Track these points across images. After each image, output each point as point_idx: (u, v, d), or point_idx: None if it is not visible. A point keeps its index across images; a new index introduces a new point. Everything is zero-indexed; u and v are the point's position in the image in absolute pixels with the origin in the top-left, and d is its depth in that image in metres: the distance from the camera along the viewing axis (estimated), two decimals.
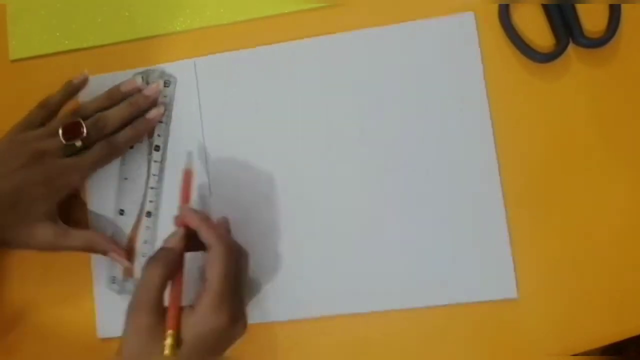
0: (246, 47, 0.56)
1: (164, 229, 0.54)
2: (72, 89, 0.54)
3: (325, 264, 0.53)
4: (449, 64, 0.53)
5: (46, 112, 0.53)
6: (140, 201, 0.55)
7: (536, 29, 0.54)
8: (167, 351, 0.43)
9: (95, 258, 0.55)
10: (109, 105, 0.53)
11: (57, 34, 0.58)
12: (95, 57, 0.58)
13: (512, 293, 0.51)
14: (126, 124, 0.53)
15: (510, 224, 0.51)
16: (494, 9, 0.54)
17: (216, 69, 0.56)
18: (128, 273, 0.54)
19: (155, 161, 0.55)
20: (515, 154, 0.52)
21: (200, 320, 0.44)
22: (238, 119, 0.55)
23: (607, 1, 0.53)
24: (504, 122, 0.53)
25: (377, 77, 0.54)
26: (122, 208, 0.55)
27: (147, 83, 0.55)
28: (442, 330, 0.52)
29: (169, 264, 0.46)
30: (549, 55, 0.52)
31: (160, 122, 0.55)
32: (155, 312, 0.44)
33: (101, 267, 0.55)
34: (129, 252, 0.54)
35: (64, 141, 0.50)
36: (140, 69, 0.56)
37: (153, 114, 0.54)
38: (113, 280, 0.54)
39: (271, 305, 0.53)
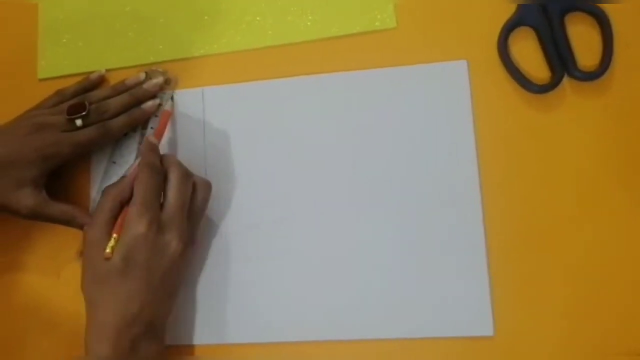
0: (257, 77, 0.60)
1: None
2: (88, 83, 0.60)
3: (305, 289, 0.55)
4: (441, 106, 0.56)
5: (59, 99, 0.58)
6: None
7: (533, 62, 0.56)
8: (107, 250, 0.49)
9: None
10: (113, 96, 0.58)
11: (83, 55, 0.63)
12: (118, 78, 0.61)
13: (489, 330, 0.51)
14: (124, 112, 0.57)
15: (490, 261, 0.53)
16: (493, 43, 0.57)
17: (222, 99, 0.60)
18: None
19: None
20: (501, 188, 0.54)
21: (127, 227, 0.49)
22: (238, 146, 0.58)
23: None
24: (493, 157, 0.55)
25: (371, 115, 0.57)
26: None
27: (150, 79, 0.60)
28: None
29: (120, 190, 0.51)
30: (545, 86, 0.55)
31: (156, 115, 0.59)
32: (102, 229, 0.50)
33: None
34: None
35: (66, 117, 0.54)
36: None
37: (148, 105, 0.58)
38: (81, 253, 0.56)
39: (246, 327, 0.55)
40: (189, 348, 0.55)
